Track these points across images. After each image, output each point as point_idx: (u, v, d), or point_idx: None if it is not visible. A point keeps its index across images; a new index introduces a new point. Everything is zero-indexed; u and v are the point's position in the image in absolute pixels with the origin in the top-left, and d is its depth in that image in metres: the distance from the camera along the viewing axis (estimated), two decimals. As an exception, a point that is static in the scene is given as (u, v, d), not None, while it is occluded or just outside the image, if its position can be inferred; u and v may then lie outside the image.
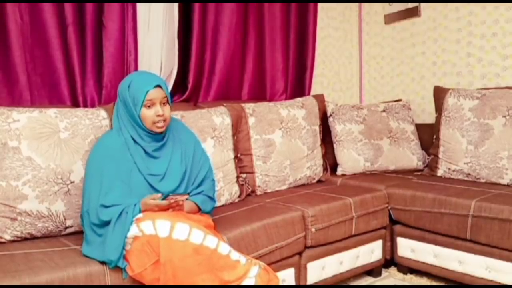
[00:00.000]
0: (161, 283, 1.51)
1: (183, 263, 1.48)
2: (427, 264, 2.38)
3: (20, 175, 1.77)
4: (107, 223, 1.61)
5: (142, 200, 1.63)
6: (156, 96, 1.70)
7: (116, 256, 1.55)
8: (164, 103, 1.73)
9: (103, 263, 1.57)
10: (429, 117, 3.20)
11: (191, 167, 1.84)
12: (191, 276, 1.49)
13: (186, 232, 1.52)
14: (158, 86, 1.71)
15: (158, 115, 1.70)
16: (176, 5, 2.61)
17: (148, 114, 1.70)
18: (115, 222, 1.59)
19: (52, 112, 1.92)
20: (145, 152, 1.75)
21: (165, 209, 1.63)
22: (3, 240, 1.75)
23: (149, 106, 1.70)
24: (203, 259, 1.51)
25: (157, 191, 1.71)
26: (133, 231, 1.56)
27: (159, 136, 1.77)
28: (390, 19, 3.49)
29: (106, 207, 1.62)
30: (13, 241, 1.77)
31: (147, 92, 1.68)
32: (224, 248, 1.57)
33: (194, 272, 1.49)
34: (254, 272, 1.57)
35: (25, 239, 1.80)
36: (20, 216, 1.77)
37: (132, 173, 1.71)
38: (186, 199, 1.73)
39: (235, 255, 1.58)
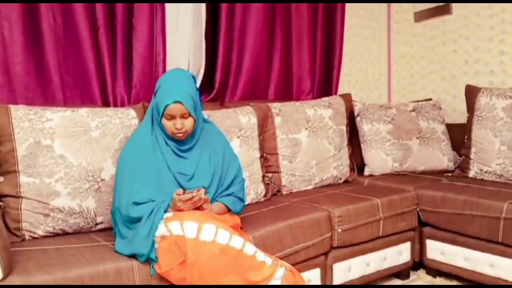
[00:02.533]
0: (187, 283, 1.52)
1: (209, 263, 1.50)
2: (458, 267, 2.33)
3: (53, 173, 1.82)
4: (137, 220, 1.64)
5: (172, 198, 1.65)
6: (175, 111, 1.69)
7: (147, 249, 1.57)
8: (185, 117, 1.71)
9: (132, 258, 1.60)
10: (460, 117, 3.12)
11: (220, 168, 1.85)
12: (218, 277, 1.50)
13: (212, 233, 1.53)
14: (178, 102, 1.68)
15: (176, 128, 1.71)
16: (203, 6, 2.63)
17: (168, 125, 1.72)
18: (146, 218, 1.62)
19: (83, 111, 1.97)
20: (174, 152, 1.77)
21: (189, 204, 1.63)
22: (36, 236, 1.81)
23: (169, 119, 1.71)
24: (229, 260, 1.52)
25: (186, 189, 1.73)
26: (161, 230, 1.59)
27: (186, 140, 1.79)
28: (420, 16, 3.42)
29: (137, 204, 1.65)
30: (46, 236, 1.83)
31: (166, 106, 1.68)
32: (250, 249, 1.58)
33: (221, 272, 1.50)
34: (280, 274, 1.57)
35: (57, 234, 1.86)
36: (52, 212, 1.82)
37: (162, 171, 1.73)
38: (205, 193, 1.70)
39: (260, 256, 1.59)
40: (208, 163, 1.82)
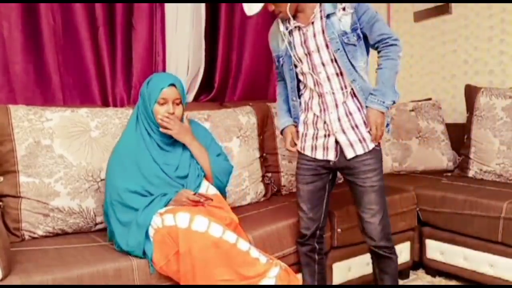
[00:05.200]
0: (180, 274, 1.53)
1: (201, 254, 1.50)
2: (457, 267, 2.33)
3: (52, 173, 1.83)
4: (132, 208, 1.66)
5: (178, 192, 1.70)
6: (169, 95, 1.75)
7: (142, 236, 1.59)
8: (177, 103, 1.78)
9: (132, 258, 1.60)
10: (460, 117, 3.12)
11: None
12: (210, 268, 1.51)
13: (205, 225, 1.54)
14: (173, 85, 1.76)
15: (168, 113, 1.75)
16: (203, 6, 2.63)
17: (160, 111, 1.75)
18: (142, 210, 1.65)
19: (83, 111, 1.97)
20: (158, 145, 1.79)
21: (193, 204, 1.67)
22: (36, 236, 1.82)
23: (162, 104, 1.75)
24: (222, 252, 1.52)
25: (173, 180, 1.75)
26: (156, 221, 1.61)
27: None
28: (420, 16, 3.42)
29: (131, 191, 1.68)
30: (45, 236, 1.83)
31: (162, 89, 1.74)
32: (244, 245, 1.58)
33: (213, 264, 1.51)
34: (274, 273, 1.58)
35: (57, 234, 1.86)
36: (52, 212, 1.83)
37: (149, 163, 1.75)
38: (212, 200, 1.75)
39: (254, 253, 1.59)
40: (191, 153, 1.85)
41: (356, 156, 1.79)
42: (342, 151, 1.80)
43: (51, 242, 1.76)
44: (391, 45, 1.84)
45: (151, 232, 1.62)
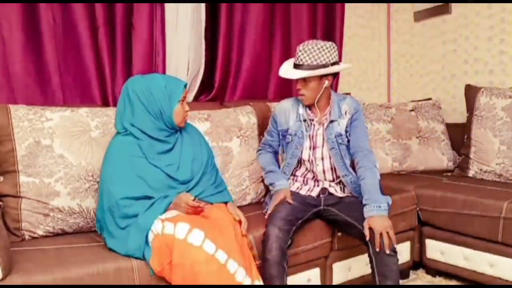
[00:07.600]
0: (172, 283, 1.54)
1: (193, 269, 1.50)
2: (457, 267, 2.33)
3: (52, 173, 1.82)
4: (132, 216, 1.65)
5: (178, 195, 1.69)
6: (185, 92, 1.82)
7: (142, 240, 1.59)
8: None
9: (132, 258, 1.60)
10: (460, 117, 3.12)
11: (201, 155, 1.89)
12: (199, 283, 1.50)
13: (200, 239, 1.53)
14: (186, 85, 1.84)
15: (187, 111, 1.83)
16: (203, 5, 2.63)
17: (181, 110, 1.80)
18: (143, 212, 1.64)
19: (83, 111, 1.97)
20: (160, 146, 1.77)
21: (192, 210, 1.67)
22: (36, 236, 1.82)
23: (182, 102, 1.80)
24: (211, 271, 1.51)
25: (175, 180, 1.75)
26: (157, 226, 1.60)
27: (173, 131, 1.82)
28: (420, 16, 3.42)
29: (130, 199, 1.66)
30: (46, 236, 1.83)
31: (184, 88, 1.80)
32: (232, 266, 1.56)
33: (202, 280, 1.50)
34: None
35: (57, 234, 1.86)
36: (52, 212, 1.82)
37: (148, 168, 1.73)
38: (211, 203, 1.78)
39: (240, 276, 1.57)
40: (191, 151, 1.86)
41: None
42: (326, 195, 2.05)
43: (51, 242, 1.76)
44: (366, 155, 1.98)
45: (150, 237, 1.61)
